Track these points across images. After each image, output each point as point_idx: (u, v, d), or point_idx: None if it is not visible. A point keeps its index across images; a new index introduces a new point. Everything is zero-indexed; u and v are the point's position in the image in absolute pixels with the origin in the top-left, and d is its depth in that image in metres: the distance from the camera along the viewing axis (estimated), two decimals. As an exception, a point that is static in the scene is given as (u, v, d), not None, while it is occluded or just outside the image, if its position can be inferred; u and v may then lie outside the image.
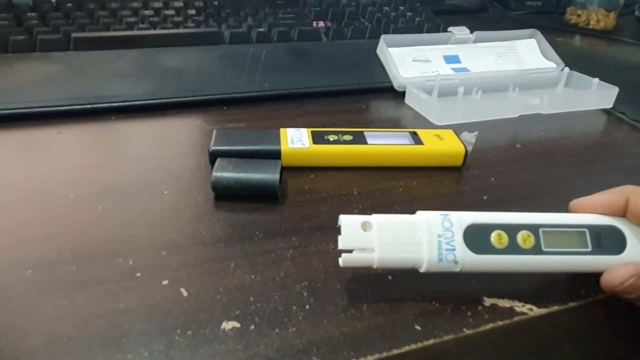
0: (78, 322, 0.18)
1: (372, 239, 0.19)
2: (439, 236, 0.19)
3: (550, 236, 0.20)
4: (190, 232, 0.23)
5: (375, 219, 0.19)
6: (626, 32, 0.63)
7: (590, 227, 0.20)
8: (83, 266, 0.21)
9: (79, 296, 0.19)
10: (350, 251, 0.19)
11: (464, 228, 0.19)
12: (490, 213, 0.20)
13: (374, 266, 0.19)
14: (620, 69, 0.51)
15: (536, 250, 0.19)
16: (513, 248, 0.19)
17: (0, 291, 0.19)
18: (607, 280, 0.19)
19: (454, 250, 0.19)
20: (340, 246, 0.19)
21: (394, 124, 0.35)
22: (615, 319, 0.21)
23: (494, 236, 0.19)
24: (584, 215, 0.21)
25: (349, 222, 0.19)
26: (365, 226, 0.19)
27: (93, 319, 0.18)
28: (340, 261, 0.19)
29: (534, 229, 0.20)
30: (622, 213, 0.20)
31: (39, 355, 0.17)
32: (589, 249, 0.20)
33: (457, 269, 0.19)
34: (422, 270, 0.19)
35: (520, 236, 0.19)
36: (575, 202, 0.22)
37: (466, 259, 0.19)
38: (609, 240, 0.20)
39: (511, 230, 0.19)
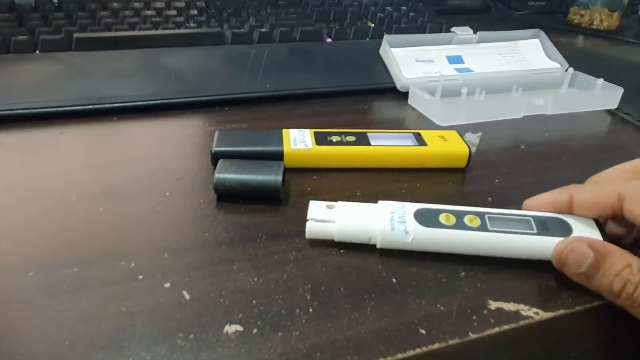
0: (80, 325, 0.18)
1: (335, 213, 0.22)
2: (392, 212, 0.22)
3: (495, 220, 0.21)
4: (193, 234, 0.23)
5: (339, 203, 0.23)
6: (630, 32, 0.63)
7: (535, 217, 0.22)
8: (85, 268, 0.20)
9: (81, 299, 0.19)
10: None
11: (415, 210, 0.22)
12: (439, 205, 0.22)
13: (335, 238, 0.22)
14: (624, 69, 0.51)
15: (482, 228, 0.21)
16: (460, 225, 0.21)
17: (0, 294, 0.19)
18: (554, 249, 0.20)
19: (404, 222, 0.21)
20: (309, 217, 0.22)
21: (397, 124, 0.35)
22: (622, 324, 0.21)
23: (442, 216, 0.22)
24: (528, 212, 0.22)
25: (315, 202, 0.23)
26: (329, 206, 0.22)
27: (95, 322, 0.18)
28: (306, 231, 0.22)
29: (479, 214, 0.22)
30: (568, 209, 0.22)
31: (41, 359, 0.17)
32: (535, 231, 0.21)
33: (409, 239, 0.21)
34: (377, 242, 0.21)
35: (467, 217, 0.21)
36: (526, 201, 0.23)
37: (416, 230, 0.21)
38: (554, 226, 0.21)
39: (458, 213, 0.22)
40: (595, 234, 0.21)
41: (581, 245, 0.20)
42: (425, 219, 0.21)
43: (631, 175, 0.22)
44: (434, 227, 0.21)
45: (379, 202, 0.23)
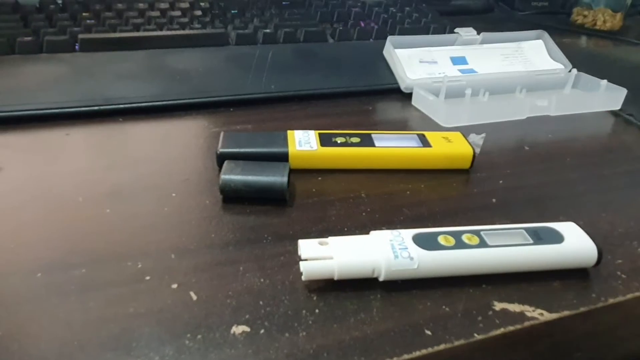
0: (88, 326, 0.18)
1: (330, 250, 0.20)
2: (391, 240, 0.21)
3: (492, 236, 0.21)
4: (199, 235, 0.23)
5: (331, 238, 0.21)
6: (633, 33, 0.63)
7: (527, 228, 0.22)
8: (92, 269, 0.21)
9: (89, 300, 0.19)
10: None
11: (412, 235, 0.21)
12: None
13: (335, 276, 0.20)
14: (627, 70, 0.51)
15: (482, 245, 0.21)
16: (461, 245, 0.21)
17: (10, 294, 0.19)
18: None
19: (407, 248, 0.20)
20: (303, 256, 0.20)
21: (400, 125, 0.35)
22: (627, 324, 0.21)
23: (440, 238, 0.21)
24: (517, 224, 0.22)
25: (306, 240, 0.21)
26: (322, 243, 0.21)
27: (103, 323, 0.18)
28: (303, 272, 0.20)
29: (475, 232, 0.22)
30: None
31: (50, 360, 0.17)
32: (531, 242, 0.21)
33: (415, 266, 0.20)
34: (382, 274, 0.20)
35: (465, 236, 0.21)
36: None
37: (420, 255, 0.20)
38: (546, 235, 0.22)
39: (455, 233, 0.21)
40: (587, 241, 0.21)
41: None
42: (425, 242, 0.21)
43: None
44: (437, 249, 0.20)
45: (372, 232, 0.22)
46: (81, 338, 0.17)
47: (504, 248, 0.21)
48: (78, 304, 0.19)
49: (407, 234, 0.21)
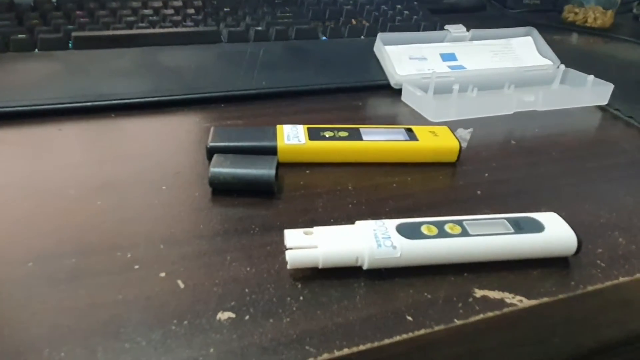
0: (78, 312, 0.18)
1: (315, 239, 0.21)
2: (374, 230, 0.21)
3: (474, 225, 0.22)
4: (188, 226, 0.23)
5: (316, 228, 0.22)
6: (624, 30, 0.64)
7: (508, 218, 0.22)
8: (83, 259, 0.21)
9: (79, 288, 0.20)
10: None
11: (395, 225, 0.21)
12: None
13: (320, 265, 0.20)
14: (616, 66, 0.51)
15: (464, 234, 0.21)
16: (443, 234, 0.21)
17: (2, 283, 0.20)
18: None
19: (390, 238, 0.21)
20: (288, 245, 0.20)
21: (390, 121, 0.36)
22: (605, 310, 0.22)
23: (423, 227, 0.22)
24: (498, 214, 0.23)
25: (291, 230, 0.21)
26: (307, 233, 0.21)
27: (93, 310, 0.19)
28: (288, 261, 0.20)
29: (458, 222, 0.22)
30: None
31: (41, 344, 0.17)
32: (512, 231, 0.22)
33: (398, 254, 0.20)
34: (365, 262, 0.20)
35: (447, 226, 0.22)
36: None
37: (403, 244, 0.21)
38: (527, 225, 0.22)
39: (438, 223, 0.22)
40: (567, 231, 0.22)
41: None
42: (408, 232, 0.21)
43: None
44: (419, 238, 0.21)
45: (357, 222, 0.22)
46: (71, 323, 0.18)
47: (486, 237, 0.21)
48: (68, 291, 0.19)
49: (391, 224, 0.22)
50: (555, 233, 0.22)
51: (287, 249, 0.21)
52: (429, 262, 0.21)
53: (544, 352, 0.22)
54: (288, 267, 0.20)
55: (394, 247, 0.21)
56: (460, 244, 0.21)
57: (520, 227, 0.22)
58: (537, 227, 0.22)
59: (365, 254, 0.20)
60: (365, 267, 0.21)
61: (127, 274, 0.20)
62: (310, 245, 0.21)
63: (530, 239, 0.22)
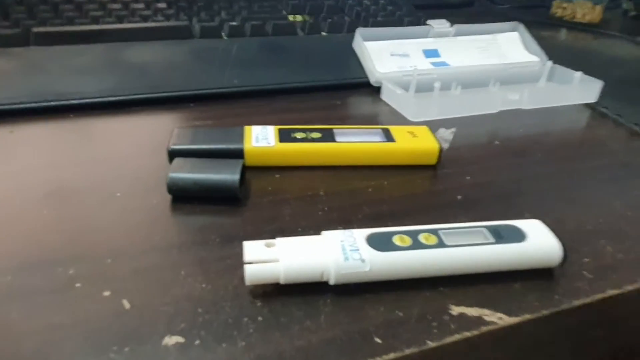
0: (8, 340, 0.16)
1: (276, 252, 0.19)
2: (342, 241, 0.19)
3: (450, 235, 0.20)
4: (141, 237, 0.21)
5: (278, 239, 0.20)
6: (613, 26, 0.62)
7: (487, 227, 0.21)
8: (19, 276, 0.19)
9: (12, 310, 0.18)
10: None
11: (365, 235, 0.20)
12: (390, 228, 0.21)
13: (281, 280, 0.18)
14: (605, 63, 0.50)
15: (440, 245, 0.20)
16: (417, 245, 0.19)
17: None
18: None
19: (358, 250, 0.19)
20: (246, 259, 0.19)
21: (368, 120, 0.34)
22: (591, 327, 0.20)
23: (396, 238, 0.20)
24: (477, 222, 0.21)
25: (250, 243, 0.19)
26: (268, 245, 0.19)
27: (24, 336, 0.17)
28: (246, 277, 0.18)
29: (433, 231, 0.20)
30: None
31: (-43, 378, 0.15)
32: (492, 241, 0.20)
33: (367, 268, 0.19)
34: (331, 277, 0.19)
35: (422, 236, 0.20)
36: None
37: (372, 257, 0.19)
38: (508, 234, 0.20)
39: (412, 233, 0.20)
40: (550, 240, 0.20)
41: None
42: (378, 243, 0.19)
43: None
44: (391, 250, 0.19)
45: (323, 232, 0.20)
46: (-4, 353, 0.16)
47: (463, 248, 0.20)
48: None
49: (361, 234, 0.20)
50: (538, 242, 0.20)
51: (245, 263, 0.19)
52: (402, 276, 0.19)
53: (526, 375, 0.20)
54: (246, 283, 0.18)
55: (363, 261, 0.19)
56: (436, 256, 0.19)
57: (500, 236, 0.20)
58: (519, 236, 0.20)
59: (331, 268, 0.19)
60: (331, 283, 0.19)
61: (67, 293, 0.18)
62: (271, 258, 0.19)
63: (511, 250, 0.20)
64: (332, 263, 0.19)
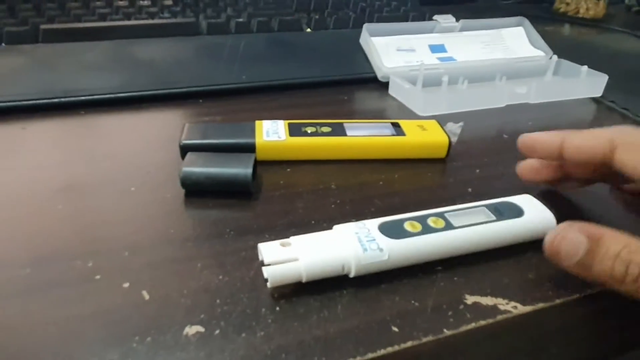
0: (29, 330, 0.17)
1: (294, 251, 0.19)
2: (357, 233, 0.20)
3: (456, 216, 0.21)
4: (157, 231, 0.22)
5: (293, 238, 0.20)
6: (616, 21, 0.63)
7: (487, 205, 0.22)
8: (38, 269, 0.19)
9: (32, 302, 0.18)
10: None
11: (378, 224, 0.20)
12: (397, 215, 0.21)
13: (303, 279, 0.18)
14: (610, 57, 0.50)
15: (448, 227, 0.20)
16: (427, 230, 0.20)
17: (-55, 298, 0.18)
18: (545, 240, 0.19)
19: (374, 240, 0.19)
20: (266, 261, 0.18)
21: (377, 115, 0.34)
22: (604, 316, 0.20)
23: (406, 224, 0.20)
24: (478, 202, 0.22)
25: (266, 245, 0.19)
26: (284, 244, 0.19)
27: (45, 327, 0.17)
28: (268, 279, 0.18)
29: (439, 214, 0.21)
30: (558, 152, 0.22)
31: (-18, 368, 0.15)
32: (494, 218, 0.21)
33: (385, 257, 0.19)
34: (352, 270, 0.19)
35: (430, 220, 0.21)
36: (522, 136, 0.24)
37: (389, 245, 0.19)
38: (507, 210, 0.22)
39: (421, 218, 0.21)
40: (546, 214, 0.21)
41: (571, 231, 0.18)
42: (391, 231, 0.20)
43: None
44: (404, 237, 0.20)
45: (335, 227, 0.20)
46: (19, 344, 0.16)
47: (470, 228, 0.20)
48: (19, 307, 0.17)
49: (372, 224, 0.20)
50: (534, 216, 0.21)
51: (264, 265, 0.18)
52: (418, 261, 0.20)
53: (542, 363, 0.20)
54: (269, 285, 0.18)
55: (381, 250, 0.19)
56: (446, 238, 0.20)
57: (500, 213, 0.21)
58: (517, 212, 0.22)
59: (352, 260, 0.19)
60: (352, 275, 0.19)
61: (86, 285, 0.19)
62: (290, 258, 0.19)
63: (513, 225, 0.21)
64: (352, 255, 0.19)
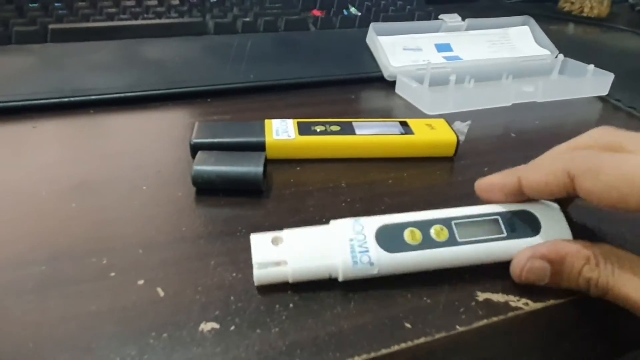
0: (45, 326, 0.17)
1: (284, 252, 0.19)
2: (351, 240, 0.19)
3: (463, 227, 0.20)
4: (169, 228, 0.22)
5: (286, 233, 0.19)
6: (620, 20, 0.63)
7: (502, 214, 0.20)
8: (53, 266, 0.19)
9: (48, 298, 0.18)
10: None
11: (375, 229, 0.19)
12: (401, 214, 0.20)
13: (290, 280, 0.19)
14: (615, 56, 0.50)
15: (451, 242, 0.19)
16: (427, 243, 0.19)
17: (-37, 294, 0.18)
18: (512, 272, 0.19)
19: (367, 251, 0.19)
20: (255, 261, 0.18)
21: (384, 114, 0.34)
22: (616, 313, 0.20)
23: (406, 233, 0.19)
24: (494, 205, 0.20)
25: (258, 239, 0.19)
26: (276, 241, 0.19)
27: (62, 322, 0.17)
28: (255, 279, 0.18)
29: (446, 222, 0.20)
30: (518, 193, 0.20)
31: (2, 363, 0.16)
32: (504, 234, 0.19)
33: (375, 272, 0.19)
34: (339, 276, 0.19)
35: (434, 230, 0.19)
36: (477, 183, 0.22)
37: (381, 259, 0.19)
38: (522, 224, 0.20)
39: (423, 226, 0.19)
40: (563, 228, 0.20)
41: (536, 262, 0.18)
42: (388, 240, 0.19)
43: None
44: (400, 250, 0.19)
45: (332, 222, 0.20)
46: (37, 338, 0.16)
47: (474, 245, 0.19)
48: (36, 302, 0.18)
49: (371, 228, 0.19)
50: (550, 235, 0.19)
51: (254, 263, 0.18)
52: (411, 272, 0.19)
53: (553, 359, 0.20)
54: (255, 284, 0.19)
55: (372, 264, 0.18)
56: (446, 255, 0.19)
57: (513, 228, 0.20)
58: (533, 227, 0.20)
59: (340, 270, 0.19)
60: (340, 280, 0.19)
61: (102, 281, 0.19)
62: (279, 260, 0.19)
63: (524, 244, 0.19)
64: (341, 265, 0.18)
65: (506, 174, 0.21)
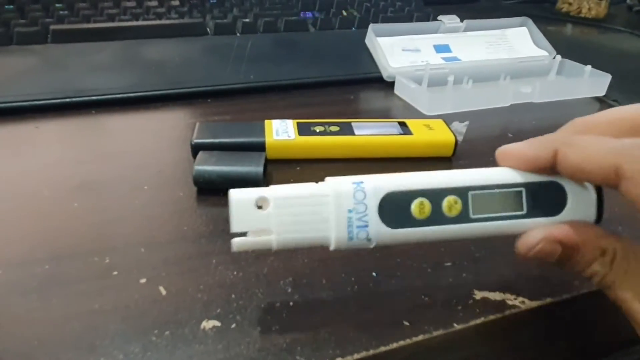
0: (50, 324, 0.17)
1: (269, 218, 0.16)
2: (350, 211, 0.16)
3: (480, 200, 0.17)
4: (171, 228, 0.22)
5: (273, 193, 0.16)
6: (618, 21, 0.63)
7: (528, 186, 0.17)
8: (56, 265, 0.20)
9: (52, 297, 0.18)
10: (244, 234, 0.16)
11: (380, 198, 0.16)
12: (412, 176, 0.17)
13: (273, 249, 0.16)
14: (612, 57, 0.50)
15: (462, 218, 0.17)
16: (436, 218, 0.17)
17: (-32, 293, 0.18)
18: (518, 248, 0.17)
19: (366, 226, 0.16)
20: (232, 230, 0.16)
21: (383, 114, 0.35)
22: (612, 311, 0.21)
23: (415, 205, 0.17)
24: (521, 173, 0.17)
25: (240, 199, 0.16)
26: (260, 202, 0.16)
27: (65, 321, 0.17)
28: (232, 246, 0.16)
29: (462, 192, 0.17)
30: (550, 169, 0.17)
31: (7, 360, 0.16)
32: (524, 212, 0.17)
33: (371, 246, 0.17)
34: (331, 248, 0.17)
35: (446, 203, 0.17)
36: (500, 151, 0.18)
37: (381, 234, 0.16)
38: (547, 200, 0.17)
39: (435, 196, 0.17)
40: (589, 210, 0.17)
41: (548, 246, 0.17)
42: (393, 213, 0.16)
43: (626, 130, 0.17)
44: (404, 226, 0.16)
45: (327, 180, 0.17)
46: (42, 337, 0.17)
47: (489, 223, 0.17)
48: (39, 301, 0.18)
49: (374, 197, 0.16)
50: (573, 214, 0.17)
51: (233, 230, 0.16)
52: (410, 244, 0.17)
53: (550, 356, 0.21)
54: (232, 250, 0.16)
55: (369, 240, 0.16)
56: (453, 231, 0.17)
57: (535, 204, 0.17)
58: (557, 205, 0.17)
59: (332, 242, 0.16)
60: (331, 249, 0.17)
61: (105, 280, 0.19)
62: (264, 229, 0.16)
63: (542, 224, 0.17)
64: (334, 239, 0.16)
65: (539, 144, 0.17)
